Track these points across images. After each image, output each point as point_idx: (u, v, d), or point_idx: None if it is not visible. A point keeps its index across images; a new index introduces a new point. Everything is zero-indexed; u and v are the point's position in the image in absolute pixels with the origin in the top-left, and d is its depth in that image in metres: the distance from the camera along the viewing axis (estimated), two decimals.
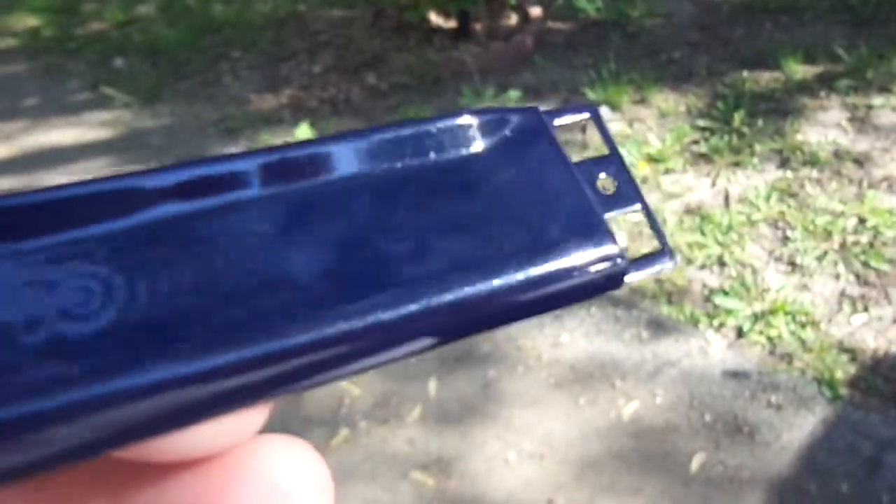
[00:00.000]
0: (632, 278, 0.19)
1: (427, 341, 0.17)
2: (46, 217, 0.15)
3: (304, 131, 2.43)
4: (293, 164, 0.18)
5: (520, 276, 0.18)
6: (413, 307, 0.17)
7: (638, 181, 0.21)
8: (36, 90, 3.11)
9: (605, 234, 0.19)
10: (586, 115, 0.22)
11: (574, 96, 2.45)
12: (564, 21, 2.97)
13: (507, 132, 0.20)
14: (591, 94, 2.39)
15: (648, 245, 1.82)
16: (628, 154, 2.10)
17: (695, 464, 1.33)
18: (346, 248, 0.17)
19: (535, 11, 2.91)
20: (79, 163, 2.52)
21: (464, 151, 0.19)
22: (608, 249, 0.19)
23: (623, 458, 1.36)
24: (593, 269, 0.18)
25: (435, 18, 2.97)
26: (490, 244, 0.18)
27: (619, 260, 0.19)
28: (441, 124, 0.19)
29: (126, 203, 0.16)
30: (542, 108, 0.21)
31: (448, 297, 0.17)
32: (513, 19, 2.92)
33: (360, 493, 1.36)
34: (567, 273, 0.18)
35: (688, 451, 1.35)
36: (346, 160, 0.18)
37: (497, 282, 0.17)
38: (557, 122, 0.21)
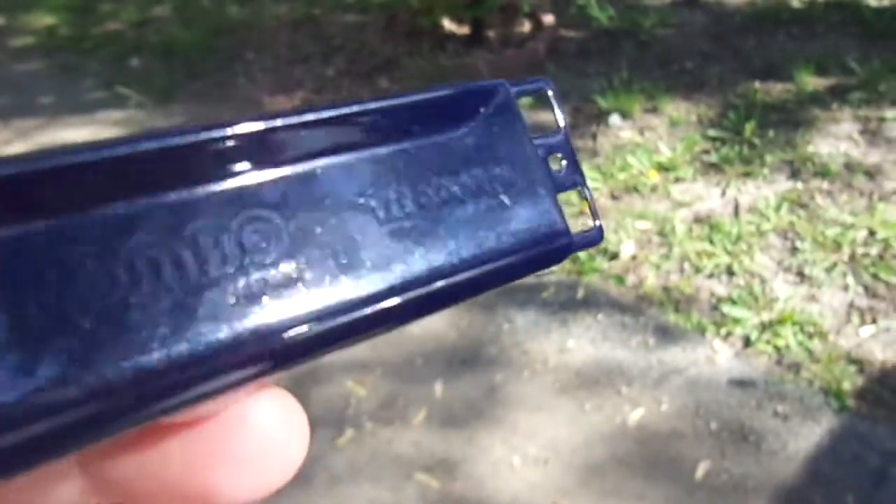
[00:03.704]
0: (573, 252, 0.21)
1: (384, 322, 0.17)
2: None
3: None
4: (267, 140, 0.17)
5: (474, 250, 0.18)
6: (368, 287, 0.17)
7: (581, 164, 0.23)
8: (52, 88, 3.14)
9: (555, 212, 0.20)
10: (542, 86, 0.24)
11: (586, 104, 2.46)
12: (577, 29, 2.98)
13: (477, 107, 0.21)
14: (602, 102, 2.40)
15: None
16: (638, 162, 2.11)
17: (700, 471, 1.33)
18: (306, 225, 0.17)
19: (548, 19, 2.92)
20: None
21: (435, 126, 0.20)
22: (559, 226, 0.20)
23: (628, 465, 1.36)
24: (541, 246, 0.20)
25: (448, 24, 2.98)
26: (446, 218, 0.19)
27: (565, 238, 0.20)
28: (411, 98, 0.20)
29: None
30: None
31: (411, 269, 0.18)
32: (526, 27, 2.94)
33: (364, 494, 1.37)
34: (525, 245, 0.19)
35: (693, 459, 1.35)
36: (318, 135, 0.18)
37: (449, 257, 0.18)
38: (516, 90, 0.22)
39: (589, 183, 0.23)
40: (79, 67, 3.31)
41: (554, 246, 0.20)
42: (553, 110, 0.23)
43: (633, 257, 1.81)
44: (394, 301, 0.17)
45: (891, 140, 2.10)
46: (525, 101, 0.23)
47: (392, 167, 0.19)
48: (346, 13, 3.51)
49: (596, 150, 2.23)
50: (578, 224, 0.22)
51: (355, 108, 0.19)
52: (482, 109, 0.21)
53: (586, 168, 2.13)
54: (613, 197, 2.03)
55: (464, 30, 2.95)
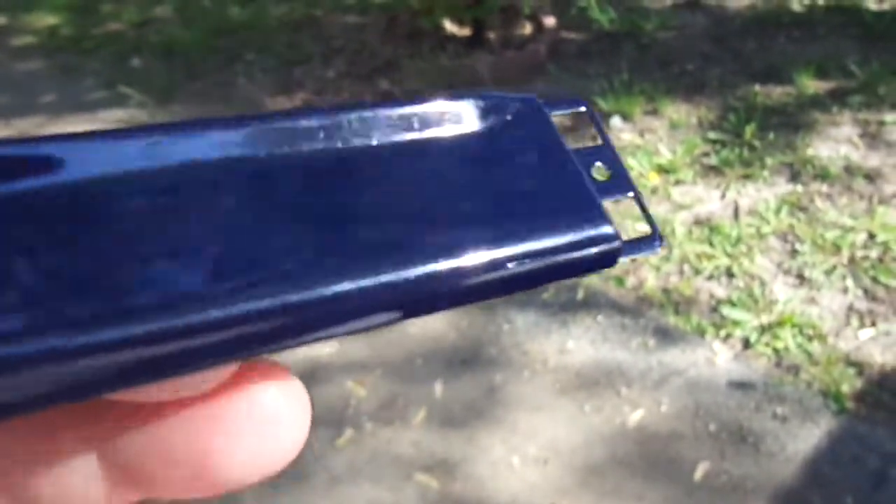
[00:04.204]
0: (624, 258, 0.21)
1: (437, 303, 0.18)
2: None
3: None
4: (304, 130, 0.18)
5: (523, 247, 0.19)
6: (418, 272, 0.17)
7: (630, 173, 0.23)
8: (53, 88, 3.15)
9: (601, 216, 0.20)
10: (581, 108, 0.24)
11: None
12: (578, 31, 2.98)
13: (508, 116, 0.21)
14: (603, 104, 2.40)
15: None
16: (639, 164, 2.11)
17: (699, 472, 1.33)
18: (357, 215, 0.18)
19: (549, 21, 2.93)
20: None
21: (469, 131, 0.20)
22: (605, 230, 0.20)
23: (627, 465, 1.36)
24: (590, 247, 0.20)
25: (449, 26, 2.99)
26: (496, 217, 0.19)
27: (614, 241, 0.20)
28: (446, 104, 0.20)
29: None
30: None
31: (457, 262, 0.18)
32: (527, 28, 2.94)
33: (364, 494, 1.37)
34: (566, 248, 0.19)
35: (692, 460, 1.35)
36: (358, 131, 0.19)
37: (505, 251, 0.19)
38: (554, 113, 0.22)
39: (639, 192, 0.22)
40: (80, 67, 3.32)
41: (601, 249, 0.20)
42: (594, 125, 0.23)
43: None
44: (420, 291, 0.17)
45: (891, 143, 2.10)
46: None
47: (427, 160, 0.19)
48: (347, 14, 3.51)
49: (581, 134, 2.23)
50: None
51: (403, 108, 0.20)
52: (511, 117, 0.21)
53: None
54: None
55: (464, 31, 2.96)
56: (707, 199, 1.99)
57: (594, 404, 1.48)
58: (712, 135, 2.23)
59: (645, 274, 1.77)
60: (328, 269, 0.17)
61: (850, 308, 1.63)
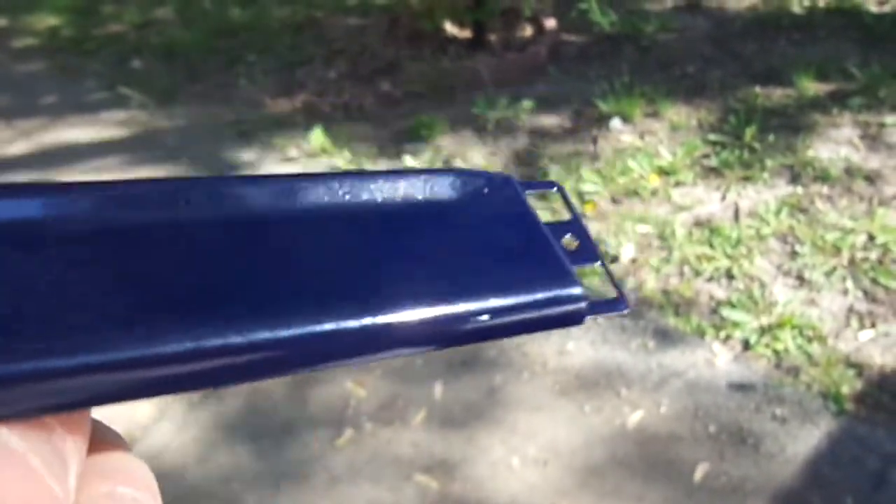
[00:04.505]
0: (591, 316, 0.23)
1: (426, 345, 0.20)
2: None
3: (317, 136, 2.45)
4: (305, 191, 0.21)
5: (500, 301, 0.21)
6: (411, 315, 0.20)
7: (595, 242, 0.25)
8: (54, 89, 3.15)
9: (571, 278, 0.22)
10: (553, 188, 0.27)
11: (587, 107, 2.47)
12: (578, 34, 2.99)
13: (485, 190, 0.24)
14: (603, 106, 2.40)
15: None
16: (639, 166, 2.11)
17: (698, 473, 1.33)
18: (348, 266, 0.20)
19: (550, 23, 2.93)
20: (94, 160, 2.55)
21: (450, 202, 0.23)
22: (573, 290, 0.22)
23: (627, 466, 1.36)
24: (560, 305, 0.22)
25: (450, 28, 2.99)
26: (476, 275, 0.22)
27: (581, 301, 0.22)
28: (432, 177, 0.23)
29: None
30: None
31: (441, 311, 0.20)
32: (527, 31, 2.95)
33: (363, 494, 1.37)
34: (539, 304, 0.22)
35: (692, 461, 1.35)
36: (362, 195, 0.22)
37: (483, 304, 0.21)
38: (528, 192, 0.25)
39: (605, 261, 0.25)
40: (81, 68, 3.32)
41: (569, 308, 0.22)
42: (565, 203, 0.26)
43: (634, 260, 1.82)
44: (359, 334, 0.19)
45: (891, 145, 2.11)
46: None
47: (402, 224, 0.22)
48: (348, 16, 3.52)
49: (597, 154, 2.23)
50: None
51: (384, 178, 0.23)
52: (487, 191, 0.24)
53: (586, 171, 2.13)
54: (614, 201, 2.03)
55: (465, 33, 2.96)
56: (707, 200, 1.99)
57: (594, 405, 1.48)
58: (712, 137, 2.23)
59: (645, 275, 1.77)
60: (331, 310, 0.19)
61: (850, 309, 1.63)
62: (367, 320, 0.19)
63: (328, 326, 0.18)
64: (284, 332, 0.18)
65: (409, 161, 2.30)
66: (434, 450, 1.43)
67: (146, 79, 3.10)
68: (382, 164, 2.33)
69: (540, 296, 0.22)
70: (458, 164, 2.27)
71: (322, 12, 3.57)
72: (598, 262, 0.25)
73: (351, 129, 2.54)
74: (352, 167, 2.32)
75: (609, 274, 0.25)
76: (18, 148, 2.70)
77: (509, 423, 1.46)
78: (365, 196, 0.22)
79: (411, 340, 0.20)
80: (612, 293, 0.24)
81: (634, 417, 1.45)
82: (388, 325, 0.19)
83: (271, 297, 0.18)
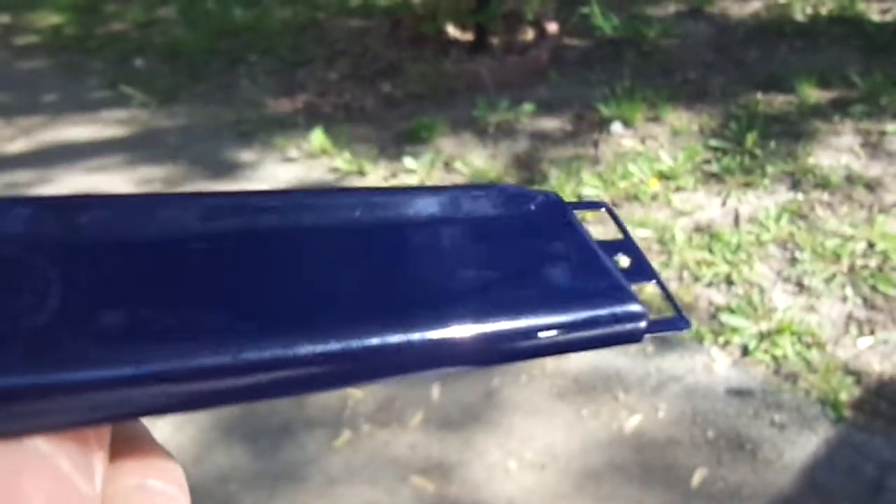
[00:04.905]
0: (651, 334, 0.23)
1: (495, 361, 0.20)
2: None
3: (317, 136, 2.45)
4: (357, 207, 0.22)
5: (563, 318, 0.21)
6: (480, 329, 0.20)
7: (652, 263, 0.25)
8: (56, 87, 3.15)
9: (630, 296, 0.22)
10: (601, 209, 0.27)
11: (588, 112, 2.47)
12: (580, 38, 2.99)
13: (533, 207, 0.24)
14: (604, 110, 2.40)
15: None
16: (640, 171, 2.11)
17: (696, 479, 1.33)
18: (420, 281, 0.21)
19: (552, 27, 2.93)
20: (95, 159, 2.55)
21: (500, 220, 0.23)
22: (633, 308, 0.22)
23: (624, 471, 1.36)
24: (621, 322, 0.22)
25: (452, 31, 3.00)
26: (538, 292, 0.21)
27: (642, 319, 0.22)
28: (481, 193, 0.23)
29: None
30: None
31: (510, 325, 0.20)
32: (529, 34, 2.95)
33: (360, 496, 1.36)
34: (601, 321, 0.22)
35: (689, 466, 1.35)
36: (415, 212, 0.22)
37: (551, 319, 0.21)
38: (576, 211, 0.25)
39: (661, 280, 0.25)
40: (83, 66, 3.32)
41: (630, 326, 0.22)
42: (616, 223, 0.27)
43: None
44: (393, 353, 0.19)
45: (891, 153, 2.11)
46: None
47: (458, 242, 0.22)
48: (351, 18, 3.52)
49: (597, 158, 2.23)
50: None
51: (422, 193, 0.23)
52: (535, 208, 0.24)
53: (587, 175, 2.13)
54: (614, 205, 2.03)
55: (467, 36, 2.96)
56: (707, 206, 1.99)
57: (592, 409, 1.48)
58: (713, 142, 2.23)
59: None
60: (389, 326, 0.19)
61: (849, 316, 1.62)
62: (440, 334, 0.19)
63: (401, 338, 0.19)
64: (356, 344, 0.18)
65: (408, 162, 2.29)
66: (431, 452, 1.43)
67: (148, 78, 3.10)
68: (382, 166, 2.33)
69: (601, 313, 0.21)
70: (458, 166, 2.27)
71: (324, 14, 3.57)
72: (654, 281, 0.24)
73: (351, 130, 2.54)
74: (352, 168, 2.32)
75: (667, 292, 0.24)
76: (18, 146, 2.69)
77: (506, 427, 1.46)
78: (419, 212, 0.22)
79: (482, 355, 0.20)
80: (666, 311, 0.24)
81: (632, 422, 1.44)
82: (460, 340, 0.19)
83: (338, 311, 0.19)
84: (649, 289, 1.68)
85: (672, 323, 0.23)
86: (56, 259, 0.17)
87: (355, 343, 0.18)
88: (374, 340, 0.18)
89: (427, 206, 0.22)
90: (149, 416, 0.16)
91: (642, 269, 0.24)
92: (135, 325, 0.16)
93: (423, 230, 0.22)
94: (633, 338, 0.22)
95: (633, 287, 0.23)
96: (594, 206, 0.26)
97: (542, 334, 0.20)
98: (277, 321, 0.18)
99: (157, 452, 0.18)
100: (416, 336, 0.19)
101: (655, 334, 0.23)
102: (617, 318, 0.22)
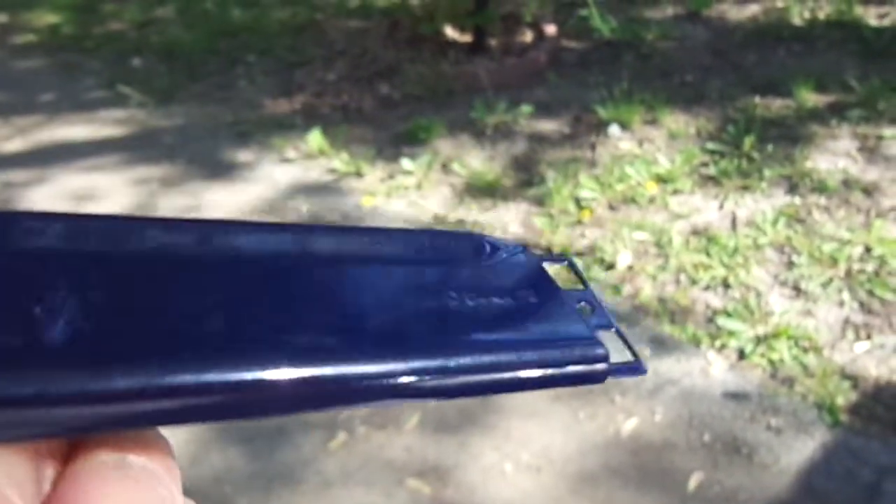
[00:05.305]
0: (612, 378, 0.24)
1: (460, 395, 0.21)
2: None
3: (315, 137, 2.45)
4: (332, 244, 0.23)
5: (530, 356, 0.22)
6: (448, 363, 0.21)
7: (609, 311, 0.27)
8: (53, 86, 3.15)
9: (595, 340, 0.24)
10: (563, 263, 0.29)
11: (585, 114, 2.47)
12: (578, 40, 2.99)
13: (504, 255, 0.26)
14: (602, 113, 2.40)
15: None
16: (637, 173, 2.11)
17: (692, 483, 1.33)
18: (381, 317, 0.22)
19: (550, 29, 2.93)
20: (92, 158, 2.54)
21: (470, 264, 0.25)
22: (598, 351, 0.23)
23: (620, 474, 1.36)
24: (585, 363, 0.23)
25: (450, 32, 2.99)
26: (507, 331, 0.23)
27: (605, 362, 0.23)
28: (453, 239, 0.25)
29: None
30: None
31: (481, 360, 0.21)
32: (527, 36, 2.95)
33: (355, 498, 1.36)
34: (565, 361, 0.23)
35: (686, 470, 1.35)
36: (395, 252, 0.24)
37: (519, 357, 0.22)
38: (545, 264, 0.27)
39: (619, 328, 0.26)
40: (80, 66, 3.31)
41: (593, 368, 0.23)
42: (577, 276, 0.28)
43: (630, 268, 1.81)
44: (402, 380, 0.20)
45: (889, 157, 2.11)
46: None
47: (427, 282, 0.23)
48: (349, 19, 3.52)
49: (595, 161, 2.23)
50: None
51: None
52: (506, 255, 0.26)
53: (584, 178, 2.13)
54: (611, 207, 2.03)
55: (465, 38, 2.96)
56: (705, 209, 1.99)
57: (588, 412, 1.48)
58: (711, 145, 2.23)
59: (641, 283, 1.77)
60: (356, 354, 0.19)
61: (846, 321, 1.62)
62: (408, 367, 0.20)
63: (370, 369, 0.19)
64: (320, 372, 0.19)
65: (406, 164, 2.29)
66: (427, 455, 1.43)
67: (146, 78, 3.09)
68: (380, 167, 2.33)
69: (568, 354, 0.23)
70: (456, 168, 2.27)
71: (323, 14, 3.57)
72: (613, 329, 0.26)
73: (349, 131, 2.54)
74: (349, 169, 2.32)
75: (625, 340, 0.26)
76: (15, 145, 2.69)
77: (503, 429, 1.46)
78: (388, 252, 0.24)
79: (449, 389, 0.21)
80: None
81: (629, 425, 1.44)
82: (434, 371, 0.20)
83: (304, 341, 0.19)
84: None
85: (632, 368, 0.25)
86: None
87: (317, 371, 0.18)
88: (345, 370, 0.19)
89: (400, 249, 0.24)
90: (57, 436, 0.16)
91: (602, 318, 0.26)
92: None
93: (394, 271, 0.23)
94: (595, 378, 0.23)
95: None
96: (558, 259, 0.28)
97: (510, 372, 0.22)
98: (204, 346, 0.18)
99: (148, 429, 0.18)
100: (383, 368, 0.19)
101: (615, 378, 0.24)
102: (581, 360, 0.23)
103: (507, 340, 0.22)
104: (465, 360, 0.21)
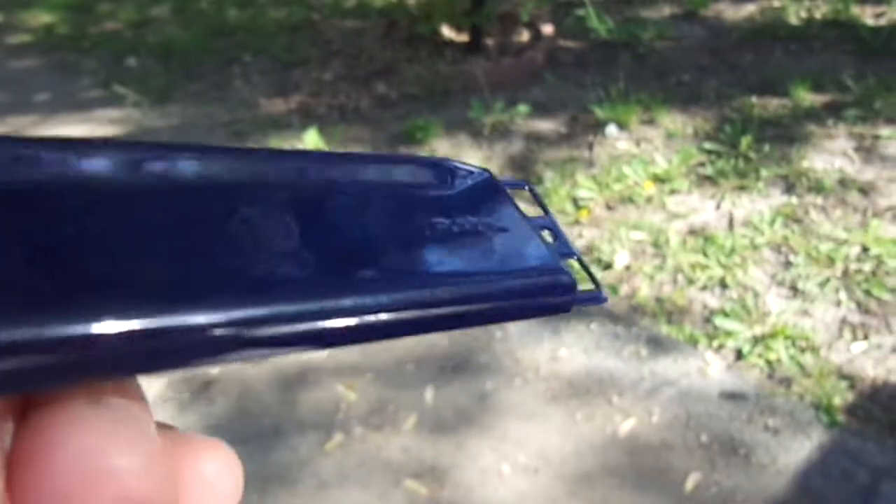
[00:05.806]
0: (576, 306, 0.23)
1: (429, 328, 0.20)
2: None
3: (311, 137, 2.44)
4: (306, 169, 0.21)
5: (500, 286, 0.21)
6: (405, 296, 0.19)
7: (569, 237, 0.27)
8: (48, 86, 3.13)
9: (561, 268, 0.23)
10: (524, 187, 0.28)
11: (583, 114, 2.46)
12: (575, 40, 2.99)
13: (469, 181, 0.24)
14: (599, 113, 2.40)
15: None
16: (634, 173, 2.11)
17: (689, 483, 1.32)
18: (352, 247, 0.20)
19: (547, 29, 2.93)
20: None
21: (435, 190, 0.24)
22: (565, 279, 0.23)
23: (617, 475, 1.35)
24: (553, 293, 0.22)
25: (447, 32, 2.99)
26: (475, 261, 0.22)
27: (572, 291, 0.23)
28: (415, 165, 0.24)
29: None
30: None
31: (446, 292, 0.20)
32: (524, 36, 2.94)
33: (352, 499, 1.36)
34: (534, 291, 0.22)
35: (683, 471, 1.35)
36: (357, 178, 0.22)
37: (488, 287, 0.21)
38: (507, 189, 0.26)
39: (581, 255, 0.26)
40: (76, 66, 3.30)
41: (561, 298, 0.22)
42: (537, 202, 0.27)
43: (627, 267, 1.81)
44: (382, 317, 0.19)
45: (885, 157, 2.11)
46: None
47: (390, 209, 0.22)
48: (346, 19, 3.51)
49: (592, 161, 2.23)
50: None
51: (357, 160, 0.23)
52: (471, 182, 0.24)
53: (581, 177, 2.13)
54: (608, 207, 2.03)
55: (462, 37, 2.96)
56: (702, 209, 1.99)
57: (585, 413, 1.47)
58: (708, 145, 2.23)
59: (638, 283, 1.76)
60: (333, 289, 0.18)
61: (843, 321, 1.62)
62: (374, 301, 0.18)
63: (343, 304, 0.18)
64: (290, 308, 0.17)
65: None
66: (424, 455, 1.42)
67: (141, 77, 3.08)
68: None
69: (535, 282, 0.22)
70: None
71: (319, 14, 3.56)
72: (575, 257, 0.25)
73: (346, 131, 2.54)
74: None
75: (586, 268, 0.26)
76: None
77: (500, 430, 1.45)
78: (349, 176, 0.22)
79: (418, 322, 0.19)
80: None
81: (626, 426, 1.44)
82: (396, 306, 0.19)
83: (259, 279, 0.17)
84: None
85: (593, 296, 0.24)
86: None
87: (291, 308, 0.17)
88: (297, 308, 0.17)
89: (361, 173, 0.22)
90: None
91: (564, 246, 0.25)
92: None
93: (354, 197, 0.21)
94: (562, 308, 0.23)
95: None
96: (517, 184, 0.27)
97: (479, 303, 0.21)
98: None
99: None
100: (347, 303, 0.18)
101: (578, 306, 0.23)
102: (549, 289, 0.22)
103: (478, 270, 0.21)
104: (438, 293, 0.20)
